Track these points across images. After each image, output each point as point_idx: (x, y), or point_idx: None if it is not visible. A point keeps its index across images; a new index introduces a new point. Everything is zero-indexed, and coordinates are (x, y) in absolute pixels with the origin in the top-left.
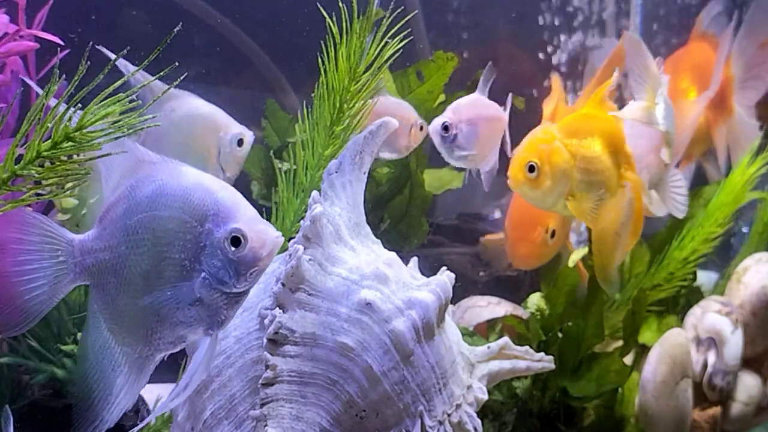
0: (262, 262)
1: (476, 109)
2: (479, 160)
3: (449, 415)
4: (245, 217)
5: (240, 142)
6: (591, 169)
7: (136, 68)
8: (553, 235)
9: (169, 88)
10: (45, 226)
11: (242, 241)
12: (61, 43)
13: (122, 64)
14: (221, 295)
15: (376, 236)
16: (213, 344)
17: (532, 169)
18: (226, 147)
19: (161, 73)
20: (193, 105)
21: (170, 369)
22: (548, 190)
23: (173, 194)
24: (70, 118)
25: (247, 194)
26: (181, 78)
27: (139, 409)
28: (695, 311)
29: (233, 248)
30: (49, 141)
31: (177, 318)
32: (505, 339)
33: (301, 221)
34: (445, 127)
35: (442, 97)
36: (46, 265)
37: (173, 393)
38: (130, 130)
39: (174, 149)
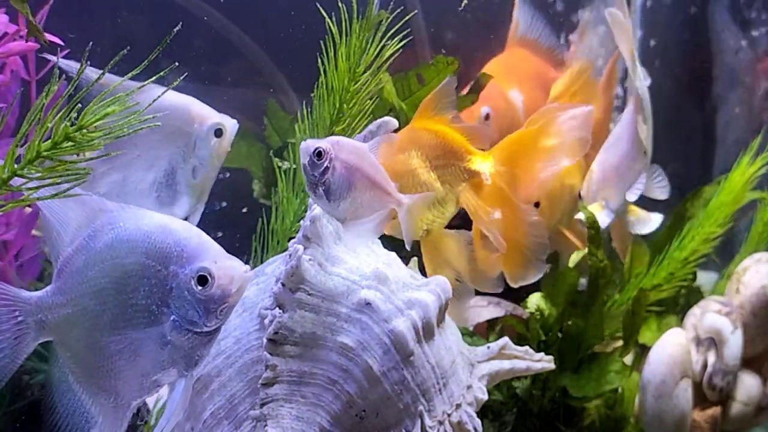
0: (232, 298)
1: (362, 160)
2: (346, 215)
3: (449, 415)
4: (210, 254)
5: (219, 133)
6: (407, 185)
7: (134, 69)
8: (536, 206)
9: (167, 89)
10: None
11: (209, 279)
12: (61, 43)
13: (70, 66)
14: (193, 336)
15: None
16: (188, 385)
17: None
18: (203, 139)
19: (161, 74)
20: (163, 96)
21: None
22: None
23: (133, 240)
24: (70, 119)
25: (248, 193)
26: (181, 78)
27: (138, 408)
28: (695, 311)
29: (200, 287)
30: (49, 141)
31: (150, 364)
32: (505, 339)
33: (301, 221)
34: (318, 153)
35: None
36: (5, 328)
37: None
38: (129, 131)
39: (143, 147)
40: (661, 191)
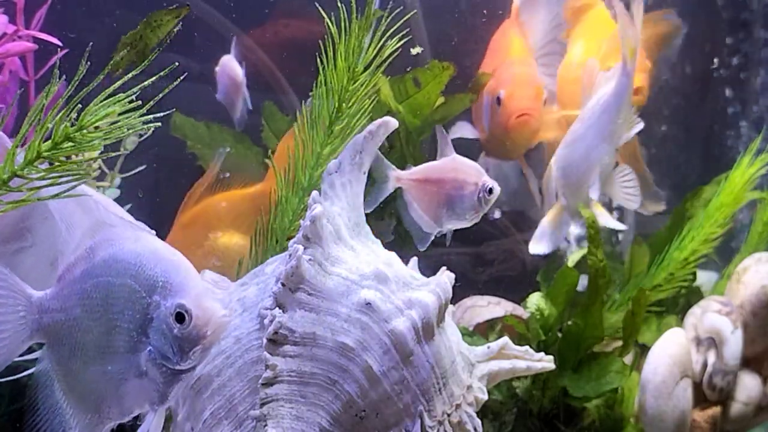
0: (206, 341)
1: None
2: None
3: (449, 415)
4: (193, 292)
5: None
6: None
7: (136, 68)
8: (498, 102)
9: (169, 89)
10: (8, 279)
11: (186, 317)
12: (60, 43)
13: None
14: (165, 371)
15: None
16: (159, 420)
17: None
18: None
19: (161, 73)
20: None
21: None
22: None
23: (127, 261)
24: (70, 119)
25: None
26: (181, 78)
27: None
28: (695, 311)
29: (178, 324)
30: (49, 141)
31: (124, 389)
32: (505, 339)
33: (301, 221)
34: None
35: (441, 100)
36: (9, 319)
37: None
38: (130, 131)
39: (38, 237)
40: (629, 198)
